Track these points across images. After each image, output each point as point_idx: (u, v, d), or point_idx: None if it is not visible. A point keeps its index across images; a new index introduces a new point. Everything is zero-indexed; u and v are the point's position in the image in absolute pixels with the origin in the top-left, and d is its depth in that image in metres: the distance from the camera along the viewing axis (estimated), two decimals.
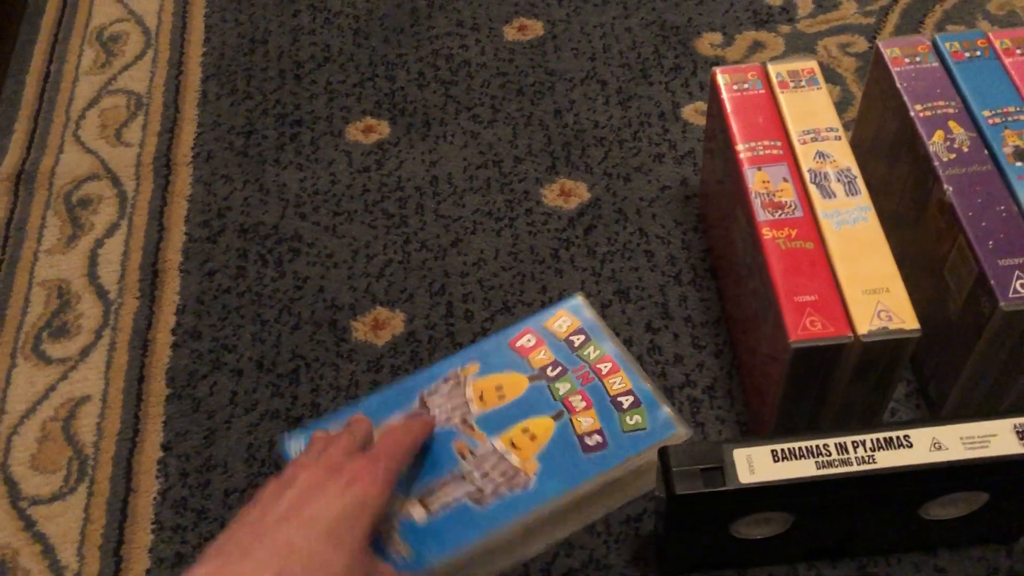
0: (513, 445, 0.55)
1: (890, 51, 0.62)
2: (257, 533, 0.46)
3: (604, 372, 0.57)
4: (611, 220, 0.73)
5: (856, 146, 0.69)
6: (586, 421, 0.55)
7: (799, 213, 0.55)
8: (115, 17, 0.93)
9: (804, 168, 0.57)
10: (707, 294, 0.68)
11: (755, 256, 0.55)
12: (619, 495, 0.55)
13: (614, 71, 0.83)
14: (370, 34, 0.89)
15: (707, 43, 0.84)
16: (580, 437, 0.55)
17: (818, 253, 0.53)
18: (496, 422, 0.56)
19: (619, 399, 0.56)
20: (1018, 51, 0.61)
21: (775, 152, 0.58)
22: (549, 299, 0.69)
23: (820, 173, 0.57)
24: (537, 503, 0.52)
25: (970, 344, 0.54)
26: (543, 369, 0.58)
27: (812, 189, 0.56)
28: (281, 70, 0.87)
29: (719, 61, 0.83)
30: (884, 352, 0.51)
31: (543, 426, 0.55)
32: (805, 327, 0.50)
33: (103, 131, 0.83)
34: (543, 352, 0.58)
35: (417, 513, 0.53)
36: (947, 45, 0.62)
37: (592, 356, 0.58)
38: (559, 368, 0.57)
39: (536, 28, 0.88)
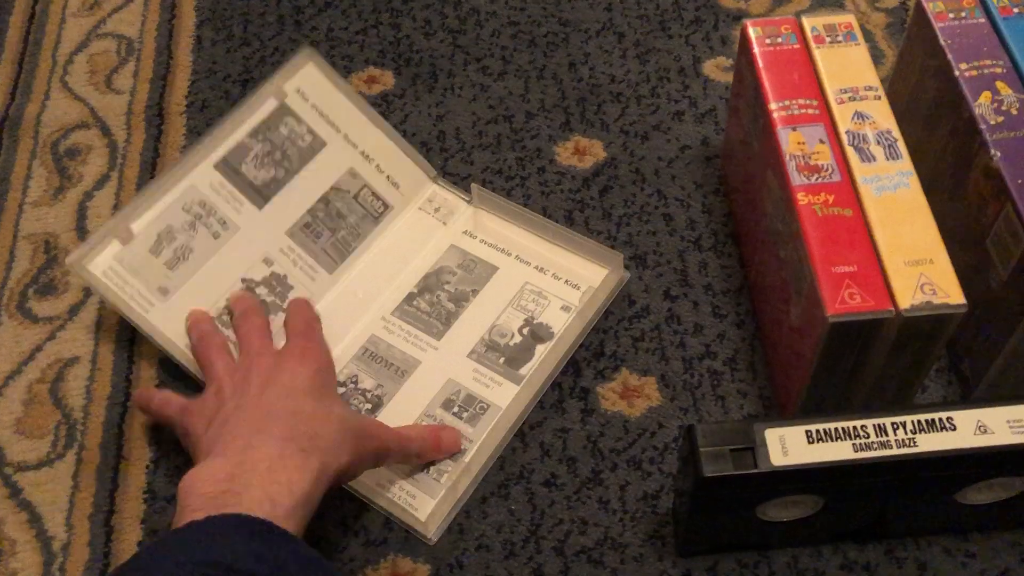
0: None
1: (932, 5, 0.58)
2: (248, 415, 0.48)
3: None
4: (628, 181, 0.70)
5: (895, 99, 0.66)
6: None
7: (837, 178, 0.52)
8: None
9: (842, 129, 0.54)
10: (728, 261, 0.65)
11: (788, 223, 0.52)
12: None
13: (631, 22, 0.79)
14: None
15: None
16: None
17: (857, 221, 0.50)
18: None
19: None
20: None
21: (811, 112, 0.54)
22: None
23: (859, 135, 0.53)
24: None
25: (1014, 320, 0.51)
26: None
27: (850, 152, 0.53)
28: (280, 15, 0.82)
29: (742, 14, 0.79)
30: (925, 328, 0.48)
31: None
32: (843, 300, 0.47)
33: (92, 77, 0.79)
34: None
35: None
36: (995, 0, 0.58)
37: None
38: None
39: None
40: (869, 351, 0.49)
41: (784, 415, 0.56)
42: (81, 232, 0.69)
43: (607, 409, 0.59)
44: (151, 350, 0.63)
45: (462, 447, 0.56)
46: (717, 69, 0.75)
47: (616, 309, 0.63)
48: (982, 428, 0.44)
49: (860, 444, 0.44)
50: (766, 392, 0.59)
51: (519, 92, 0.75)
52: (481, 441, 0.57)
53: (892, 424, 0.45)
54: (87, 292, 0.66)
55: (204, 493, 0.43)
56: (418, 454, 0.55)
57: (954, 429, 0.44)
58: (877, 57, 0.75)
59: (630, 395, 0.59)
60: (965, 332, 0.57)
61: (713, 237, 0.66)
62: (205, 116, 0.75)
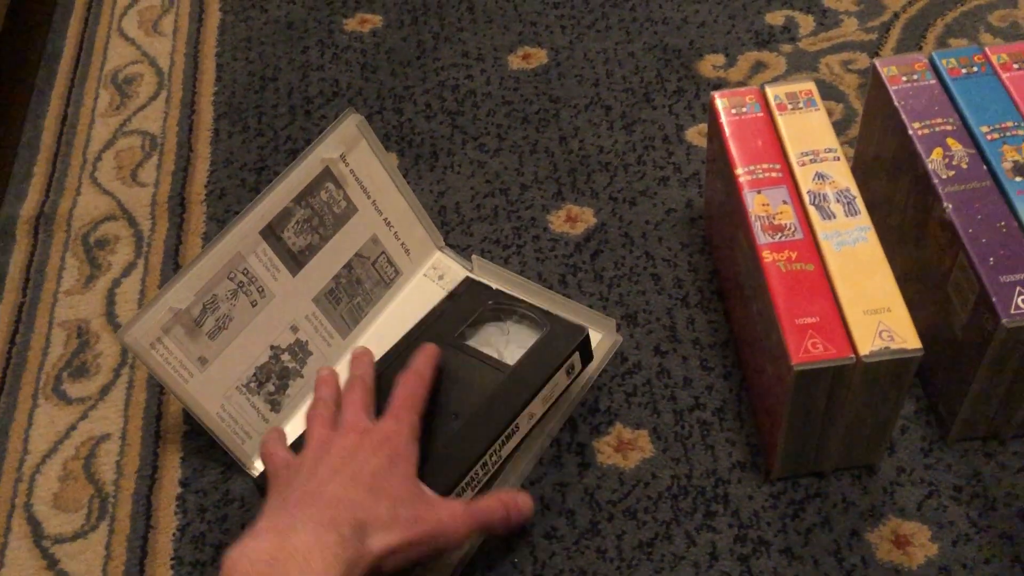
0: None
1: (887, 69, 0.63)
2: (306, 495, 0.50)
3: None
4: (617, 244, 0.74)
5: (859, 163, 0.70)
6: None
7: (799, 235, 0.55)
8: (129, 59, 0.95)
9: (804, 190, 0.58)
10: (714, 316, 0.69)
11: (756, 279, 0.56)
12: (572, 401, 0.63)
13: (617, 96, 0.84)
14: (377, 68, 0.90)
15: (709, 65, 0.85)
16: None
17: (819, 275, 0.54)
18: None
19: None
20: (1015, 65, 0.61)
21: (774, 175, 0.59)
22: None
23: (819, 195, 0.57)
24: None
25: (976, 361, 0.54)
26: None
27: (812, 211, 0.56)
28: (291, 106, 0.88)
29: (721, 83, 0.83)
30: (887, 372, 0.51)
31: None
32: (807, 349, 0.50)
33: (119, 172, 0.85)
34: None
35: None
36: (944, 62, 0.62)
37: None
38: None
39: (540, 56, 0.89)
40: (837, 396, 0.52)
41: (769, 458, 0.59)
42: (111, 317, 0.74)
43: (603, 462, 0.62)
44: (176, 425, 0.68)
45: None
46: (699, 135, 0.80)
47: (610, 366, 0.67)
48: None
49: None
50: (753, 439, 0.62)
51: (514, 166, 0.80)
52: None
53: None
54: (117, 373, 0.71)
55: (247, 570, 0.46)
56: (503, 521, 0.55)
57: None
58: (850, 116, 0.79)
59: (624, 448, 0.63)
60: (937, 373, 0.60)
61: (699, 294, 0.70)
62: (224, 203, 0.81)
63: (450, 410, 0.59)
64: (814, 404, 0.53)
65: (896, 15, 0.86)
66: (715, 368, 0.66)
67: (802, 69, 0.83)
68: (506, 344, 0.64)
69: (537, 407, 0.59)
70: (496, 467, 0.58)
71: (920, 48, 0.83)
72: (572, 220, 0.76)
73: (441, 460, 0.56)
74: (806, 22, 0.87)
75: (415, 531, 0.51)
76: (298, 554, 0.46)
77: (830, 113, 0.79)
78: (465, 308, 0.66)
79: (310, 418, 0.57)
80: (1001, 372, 0.54)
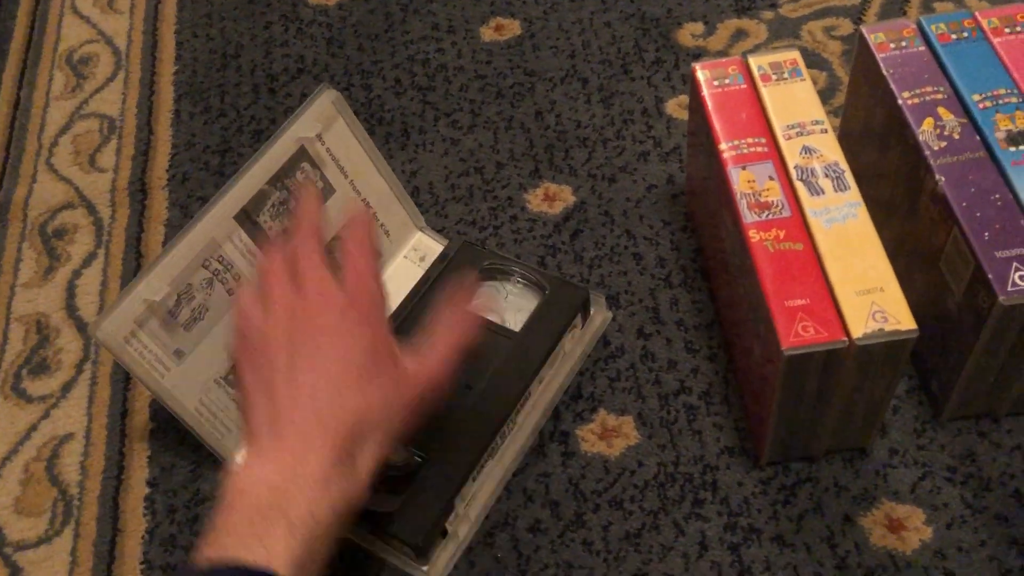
0: None
1: (874, 36, 0.60)
2: (298, 419, 0.46)
3: None
4: (597, 223, 0.71)
5: (846, 133, 0.68)
6: None
7: (787, 213, 0.53)
8: (84, 38, 0.91)
9: (790, 164, 0.55)
10: (699, 296, 0.66)
11: (743, 259, 0.53)
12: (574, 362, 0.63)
13: (594, 68, 0.81)
14: (344, 42, 0.87)
15: (688, 34, 0.82)
16: None
17: (808, 254, 0.51)
18: None
19: None
20: (1007, 30, 0.59)
21: (760, 149, 0.56)
22: None
23: (807, 169, 0.55)
24: None
25: (971, 340, 0.52)
26: None
27: (799, 187, 0.54)
28: (255, 84, 0.85)
29: (701, 52, 0.81)
30: (881, 354, 0.49)
31: None
32: (797, 333, 0.48)
33: (76, 157, 0.81)
34: None
35: (400, 458, 0.55)
36: (933, 28, 0.60)
37: None
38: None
39: (513, 27, 0.85)
40: (830, 380, 0.50)
41: (759, 443, 0.57)
42: (71, 311, 0.71)
43: (587, 451, 0.60)
44: (142, 422, 0.65)
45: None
46: (679, 108, 0.77)
47: (592, 353, 0.64)
48: None
49: None
50: (741, 424, 0.60)
51: (489, 144, 0.78)
52: (478, 493, 0.57)
53: None
54: (79, 369, 0.68)
55: (253, 494, 0.44)
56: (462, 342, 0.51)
57: None
58: (835, 84, 0.77)
59: (609, 435, 0.61)
60: (931, 351, 0.58)
61: (682, 273, 0.68)
62: (187, 188, 0.78)
63: (463, 382, 0.56)
64: (805, 389, 0.51)
65: None
66: (700, 350, 0.64)
67: (784, 36, 0.81)
68: (506, 308, 0.63)
69: (547, 372, 0.59)
70: (511, 435, 0.58)
71: (905, 13, 0.81)
72: (550, 199, 0.73)
73: (461, 435, 0.56)
74: None
75: (406, 421, 0.49)
76: (306, 485, 0.44)
77: (814, 82, 0.77)
78: (461, 271, 0.64)
79: (265, 271, 0.50)
80: (997, 350, 0.52)
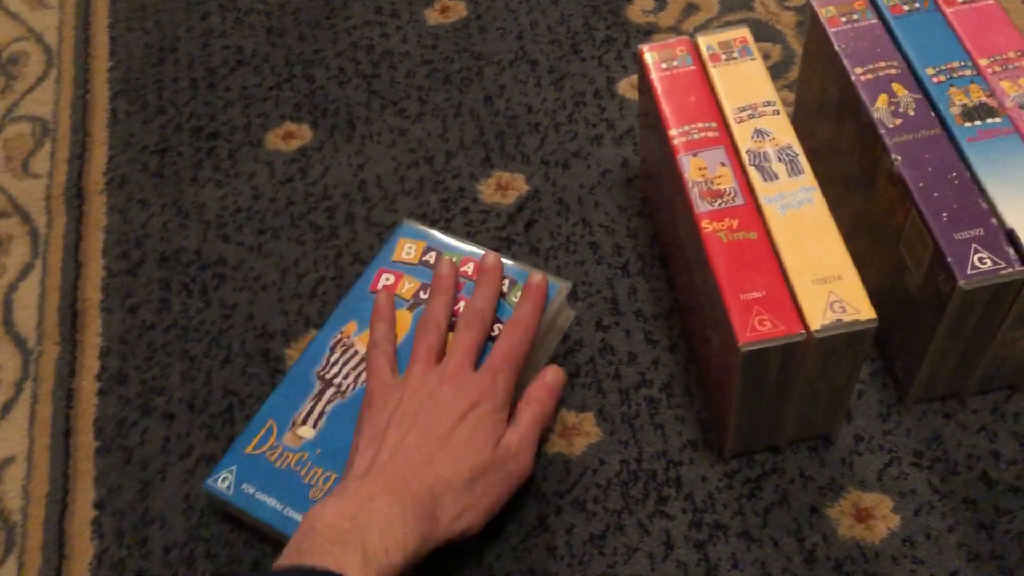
0: None
1: (825, 10, 0.58)
2: (386, 471, 0.50)
3: (471, 272, 0.60)
4: (552, 212, 0.69)
5: (801, 108, 0.66)
6: None
7: (740, 201, 0.51)
8: (12, 36, 0.87)
9: (743, 149, 0.53)
10: (657, 284, 0.65)
11: (697, 250, 0.52)
12: (542, 358, 0.60)
13: (544, 49, 0.79)
14: (284, 31, 0.84)
15: (638, 9, 0.80)
16: None
17: (763, 243, 0.50)
18: (403, 361, 0.57)
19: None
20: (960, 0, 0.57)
21: (711, 134, 0.54)
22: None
23: (759, 153, 0.53)
24: None
25: (933, 322, 0.50)
26: (416, 296, 0.60)
27: (752, 172, 0.52)
28: (193, 79, 0.81)
29: (652, 28, 0.78)
30: (841, 345, 0.47)
31: (447, 341, 0.57)
32: (754, 327, 0.47)
33: (8, 163, 0.78)
34: (407, 282, 0.61)
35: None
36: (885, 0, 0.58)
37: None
38: (425, 287, 0.60)
39: (459, 9, 0.83)
40: (790, 371, 0.49)
41: (722, 435, 0.56)
42: (9, 326, 0.68)
43: (547, 451, 0.58)
44: (87, 441, 0.62)
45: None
46: (631, 87, 0.75)
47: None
48: None
49: None
50: (704, 415, 0.59)
51: (438, 132, 0.75)
52: None
53: None
54: (19, 387, 0.65)
55: (331, 524, 0.46)
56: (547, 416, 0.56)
57: None
58: (789, 57, 0.75)
59: (569, 434, 0.59)
60: (894, 334, 0.57)
61: (640, 261, 0.66)
62: (126, 192, 0.75)
63: None
64: (765, 382, 0.49)
65: None
66: (660, 340, 0.62)
67: (736, 9, 0.78)
68: None
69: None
70: None
71: None
72: (503, 188, 0.71)
73: None
74: None
75: (488, 500, 0.51)
76: (379, 523, 0.47)
77: (767, 56, 0.75)
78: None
79: (418, 343, 0.56)
80: (959, 332, 0.51)
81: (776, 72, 0.74)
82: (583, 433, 0.59)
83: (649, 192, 0.67)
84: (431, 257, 0.62)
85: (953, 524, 0.53)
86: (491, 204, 0.70)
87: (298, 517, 0.53)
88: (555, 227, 0.68)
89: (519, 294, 0.59)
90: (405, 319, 0.59)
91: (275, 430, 0.57)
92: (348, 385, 0.58)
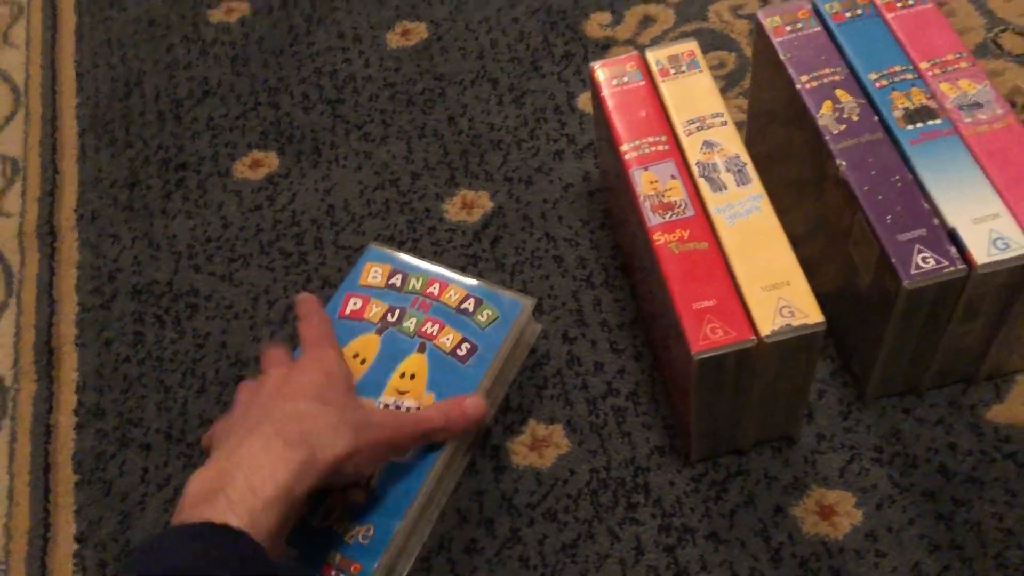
0: (400, 392, 0.58)
1: (770, 20, 0.60)
2: (246, 420, 0.50)
3: (437, 293, 0.61)
4: (517, 228, 0.70)
5: (754, 114, 0.67)
6: (447, 338, 0.59)
7: (690, 212, 0.52)
8: None
9: (692, 161, 0.55)
10: (620, 294, 0.66)
11: (651, 261, 0.53)
12: (510, 373, 0.62)
13: (504, 67, 0.80)
14: (248, 59, 0.85)
15: (596, 24, 0.81)
16: (452, 353, 0.59)
17: (713, 253, 0.51)
18: (373, 384, 0.58)
19: (463, 307, 0.61)
20: (899, 4, 0.59)
21: (661, 148, 0.55)
22: None
23: (708, 165, 0.54)
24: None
25: (884, 321, 0.52)
26: (384, 319, 0.61)
27: (702, 183, 0.54)
28: (159, 111, 0.83)
29: (610, 42, 0.80)
30: (792, 349, 0.49)
31: (416, 363, 0.59)
32: (706, 335, 0.48)
33: None
34: (374, 306, 0.61)
35: (359, 496, 0.54)
36: (827, 7, 0.59)
37: (418, 286, 0.62)
38: (397, 311, 0.61)
39: (420, 31, 0.84)
40: (745, 376, 0.50)
41: (687, 442, 0.57)
42: None
43: (518, 464, 0.60)
44: (66, 475, 0.63)
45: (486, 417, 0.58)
46: (591, 102, 0.76)
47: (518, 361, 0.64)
48: None
49: None
50: (669, 421, 0.60)
51: (403, 154, 0.76)
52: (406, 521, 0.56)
53: None
54: None
55: (193, 493, 0.45)
56: (444, 429, 0.55)
57: None
58: (743, 65, 0.76)
59: (539, 446, 0.60)
60: (850, 333, 0.58)
61: (604, 272, 0.67)
62: (96, 227, 0.76)
63: None
64: (721, 387, 0.51)
65: None
66: (625, 349, 0.63)
67: (691, 20, 0.80)
68: None
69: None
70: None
71: None
72: (468, 206, 0.72)
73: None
74: None
75: (364, 438, 0.50)
76: (245, 461, 0.46)
77: (723, 64, 0.77)
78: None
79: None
80: (909, 330, 0.52)
81: (732, 80, 0.75)
82: (553, 444, 0.60)
83: (610, 204, 0.68)
84: (397, 280, 0.63)
85: (914, 517, 0.54)
86: (457, 223, 0.72)
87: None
88: (520, 242, 0.70)
89: (486, 313, 0.60)
90: (373, 342, 0.60)
91: None
92: None
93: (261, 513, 0.44)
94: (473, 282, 0.62)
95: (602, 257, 0.68)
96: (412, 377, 0.58)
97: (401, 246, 0.71)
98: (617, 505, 0.57)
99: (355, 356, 0.60)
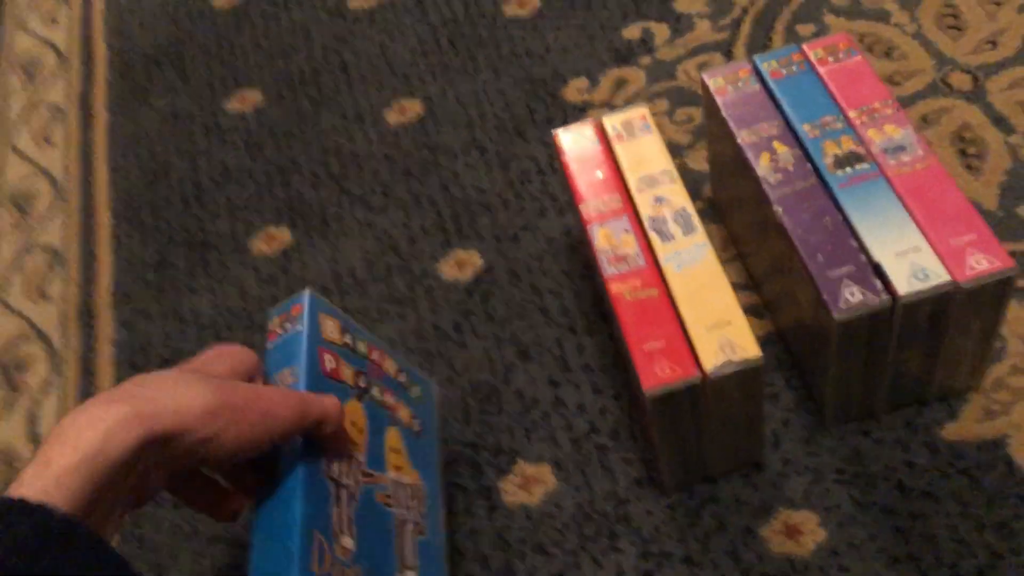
0: (397, 468, 0.57)
1: (714, 82, 0.65)
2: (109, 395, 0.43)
3: (379, 360, 0.59)
4: (505, 283, 0.76)
5: (713, 164, 0.73)
6: (404, 412, 0.60)
7: (641, 262, 0.58)
8: (25, 174, 0.98)
9: (644, 215, 0.60)
10: (601, 338, 0.71)
11: (609, 309, 0.58)
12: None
13: (491, 135, 0.87)
14: (262, 144, 0.93)
15: (574, 89, 0.88)
16: (409, 428, 0.60)
17: (663, 299, 0.56)
18: (375, 456, 0.55)
19: (399, 379, 0.61)
20: (831, 59, 0.64)
21: (615, 206, 0.61)
22: (456, 373, 0.72)
23: (658, 218, 0.60)
24: (438, 501, 0.61)
25: (828, 352, 0.56)
26: (356, 384, 0.56)
27: (653, 236, 0.59)
28: (184, 196, 0.91)
29: (587, 105, 0.86)
30: (737, 382, 0.53)
31: (394, 437, 0.58)
32: (655, 374, 0.53)
33: (27, 290, 0.87)
34: (345, 367, 0.56)
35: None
36: (765, 65, 0.65)
37: (363, 350, 0.58)
38: (361, 375, 0.56)
39: (415, 107, 0.91)
40: (698, 411, 0.55)
41: (662, 476, 0.62)
42: (34, 443, 0.76)
43: (509, 502, 0.65)
44: None
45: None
46: None
47: (509, 408, 0.69)
48: None
49: None
50: (648, 455, 0.65)
51: (401, 221, 0.83)
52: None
53: None
54: None
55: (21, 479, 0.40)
56: (321, 413, 0.50)
57: None
58: None
59: (529, 484, 0.65)
60: (807, 364, 0.63)
61: (585, 318, 0.72)
62: (130, 306, 0.83)
63: None
64: (679, 421, 0.55)
65: (745, 10, 0.88)
66: (605, 390, 0.68)
67: (661, 79, 0.86)
68: None
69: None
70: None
71: (770, 39, 0.86)
72: (461, 265, 0.79)
73: None
74: (661, 31, 0.89)
75: (227, 397, 0.45)
76: (52, 435, 0.41)
77: (691, 119, 0.82)
78: None
79: None
80: (851, 359, 0.56)
81: (699, 133, 0.81)
82: (541, 483, 0.65)
83: (587, 255, 0.74)
84: (349, 340, 0.57)
85: (874, 533, 0.58)
86: (451, 281, 0.78)
87: None
88: (509, 296, 0.75)
89: (415, 389, 0.62)
90: (359, 411, 0.55)
91: (325, 544, 0.49)
92: (352, 485, 0.53)
93: (61, 479, 0.39)
94: (397, 353, 0.61)
95: (583, 305, 0.73)
96: (397, 451, 0.57)
97: (402, 306, 0.77)
98: (600, 535, 0.62)
99: (353, 425, 0.54)
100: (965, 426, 0.61)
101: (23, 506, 0.38)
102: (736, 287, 0.69)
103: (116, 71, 1.05)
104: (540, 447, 0.67)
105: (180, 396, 0.43)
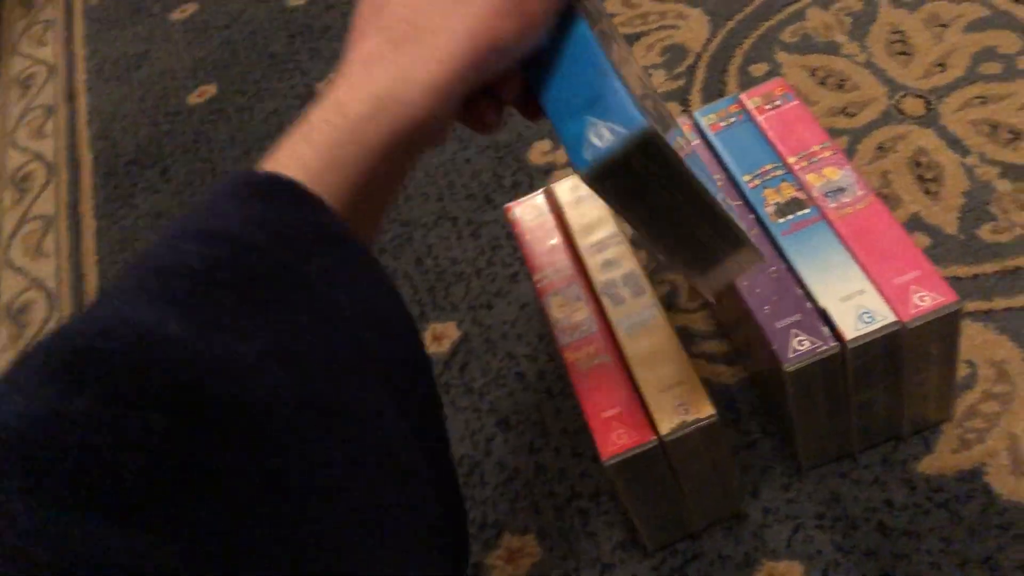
0: None
1: None
2: (359, 16, 0.41)
3: None
4: (482, 351, 0.77)
5: None
6: None
7: (594, 329, 0.58)
8: (20, 288, 1.00)
9: (595, 280, 0.61)
10: (576, 400, 0.71)
11: (566, 378, 0.59)
12: None
13: (461, 204, 0.88)
14: None
15: (538, 152, 0.89)
16: None
17: (616, 364, 0.56)
18: None
19: None
20: (767, 106, 0.65)
21: (567, 274, 0.62)
22: None
23: (609, 282, 0.60)
24: None
25: (787, 399, 0.56)
26: None
27: (604, 300, 0.60)
28: None
29: (551, 167, 0.87)
30: (694, 442, 0.53)
31: None
32: (613, 442, 0.53)
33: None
34: None
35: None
36: (704, 120, 0.66)
37: None
38: None
39: None
40: (661, 472, 0.55)
41: (642, 538, 0.61)
42: None
43: None
44: None
45: None
46: None
47: (490, 478, 0.69)
48: None
49: None
50: (629, 515, 0.64)
51: None
52: None
53: None
54: None
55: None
56: None
57: None
58: None
59: (515, 557, 0.65)
60: (778, 411, 0.62)
61: (560, 381, 0.73)
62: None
63: None
64: (646, 484, 0.56)
65: (698, 56, 0.90)
66: (584, 452, 0.68)
67: None
68: None
69: None
70: None
71: (724, 83, 0.87)
72: (438, 338, 0.79)
73: None
74: None
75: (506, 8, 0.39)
76: (341, 72, 0.39)
77: None
78: None
79: None
80: (813, 405, 0.56)
81: None
82: (526, 554, 0.65)
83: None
84: None
85: None
86: (429, 355, 0.78)
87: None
88: (486, 364, 0.76)
89: None
90: None
91: None
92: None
93: (346, 144, 0.37)
94: None
95: (558, 367, 0.74)
96: None
97: None
98: None
99: None
100: (941, 458, 0.60)
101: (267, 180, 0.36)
102: (707, 336, 0.70)
103: (100, 176, 1.08)
104: (524, 517, 0.67)
105: (461, 22, 0.39)
